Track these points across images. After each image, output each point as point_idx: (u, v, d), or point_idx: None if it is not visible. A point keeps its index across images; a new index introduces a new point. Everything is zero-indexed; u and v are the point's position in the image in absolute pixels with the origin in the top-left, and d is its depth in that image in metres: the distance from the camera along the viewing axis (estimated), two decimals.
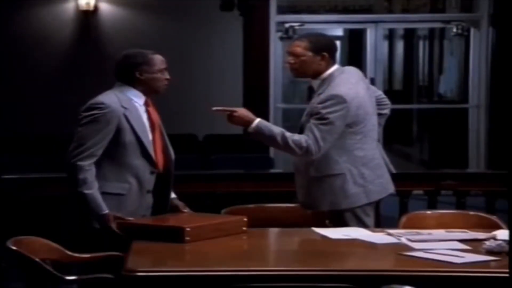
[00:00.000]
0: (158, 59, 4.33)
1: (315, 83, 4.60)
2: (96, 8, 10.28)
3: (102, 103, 4.18)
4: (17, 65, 10.15)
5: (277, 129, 4.43)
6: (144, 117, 4.31)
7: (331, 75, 4.54)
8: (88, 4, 10.23)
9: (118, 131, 4.18)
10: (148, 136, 4.29)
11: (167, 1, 10.20)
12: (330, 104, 4.41)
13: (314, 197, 4.55)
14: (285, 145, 4.39)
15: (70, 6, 10.32)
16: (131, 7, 10.32)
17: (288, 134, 4.40)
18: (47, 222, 5.57)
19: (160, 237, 3.87)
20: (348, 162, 4.48)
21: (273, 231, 4.34)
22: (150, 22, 10.27)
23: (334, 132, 4.41)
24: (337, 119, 4.39)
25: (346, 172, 4.49)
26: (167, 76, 4.35)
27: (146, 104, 4.34)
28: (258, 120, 4.44)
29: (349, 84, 4.50)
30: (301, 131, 4.51)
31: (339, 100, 4.41)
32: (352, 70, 4.68)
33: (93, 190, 4.11)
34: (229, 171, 6.72)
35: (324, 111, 4.40)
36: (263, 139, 4.48)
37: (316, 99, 4.50)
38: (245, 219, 4.15)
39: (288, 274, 3.44)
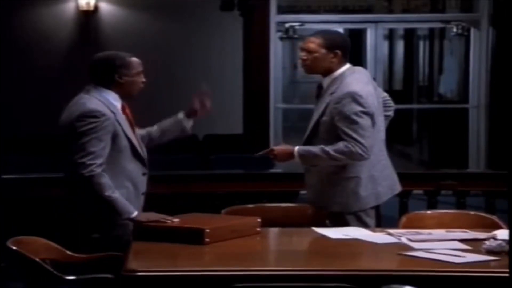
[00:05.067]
0: (136, 62, 4.28)
1: (325, 81, 4.60)
2: (96, 8, 10.29)
3: (97, 111, 4.11)
4: (17, 65, 10.15)
5: (315, 148, 4.46)
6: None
7: (342, 74, 4.55)
8: (88, 4, 10.24)
9: (115, 137, 4.15)
10: (134, 138, 4.28)
11: (167, 1, 10.20)
12: (347, 102, 4.42)
13: (325, 197, 4.56)
14: (330, 158, 4.42)
15: (70, 6, 10.32)
16: (131, 7, 10.32)
17: (327, 147, 4.42)
18: (47, 222, 5.56)
19: (178, 239, 3.85)
20: (361, 165, 4.50)
21: (273, 231, 4.34)
22: (150, 22, 10.27)
23: (367, 126, 4.42)
24: (361, 114, 4.41)
25: (360, 175, 4.51)
26: (143, 79, 4.31)
27: (122, 107, 4.28)
28: (296, 148, 4.50)
29: (361, 83, 4.52)
30: (315, 128, 4.54)
31: (355, 96, 4.42)
32: (362, 70, 4.71)
33: (118, 193, 4.09)
34: (229, 171, 6.72)
35: (344, 109, 4.41)
36: (310, 162, 4.53)
37: (328, 98, 4.51)
38: (259, 220, 4.16)
39: (288, 274, 3.45)
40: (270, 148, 4.65)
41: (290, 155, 4.52)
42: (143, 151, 4.33)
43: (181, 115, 4.56)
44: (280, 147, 4.61)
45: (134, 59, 4.30)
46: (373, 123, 4.49)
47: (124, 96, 4.29)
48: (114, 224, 4.13)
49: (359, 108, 4.41)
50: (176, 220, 4.04)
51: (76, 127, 4.12)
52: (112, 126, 4.14)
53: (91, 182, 4.05)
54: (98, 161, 4.07)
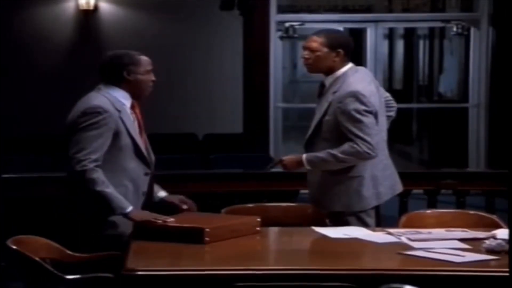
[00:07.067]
0: (145, 60, 4.30)
1: (327, 80, 4.61)
2: (96, 7, 10.29)
3: (100, 107, 4.13)
4: (17, 65, 10.15)
5: (322, 153, 4.48)
6: (132, 118, 4.28)
7: (345, 73, 4.56)
8: (88, 3, 10.24)
9: (116, 135, 4.15)
10: (139, 138, 4.28)
11: (167, 1, 10.20)
12: (350, 101, 4.43)
13: (327, 197, 4.57)
14: (338, 160, 4.44)
15: (70, 6, 10.33)
16: (131, 7, 10.32)
17: (333, 150, 4.44)
18: (47, 221, 5.56)
19: (178, 238, 3.85)
20: (364, 164, 4.50)
21: (273, 231, 4.34)
22: (150, 22, 10.27)
23: (371, 124, 4.43)
24: (364, 113, 4.42)
25: (363, 174, 4.51)
26: (153, 78, 4.32)
27: (132, 106, 4.30)
28: (304, 156, 4.52)
29: (364, 82, 4.53)
30: (317, 127, 4.55)
31: (358, 95, 4.43)
32: (364, 70, 4.72)
33: (112, 188, 4.07)
34: (229, 171, 6.72)
35: (347, 109, 4.42)
36: (319, 167, 4.54)
37: (330, 97, 4.52)
38: (258, 219, 4.17)
39: (288, 273, 3.45)
40: (279, 158, 4.70)
41: (299, 163, 4.54)
42: (147, 152, 4.33)
43: (160, 195, 4.48)
44: (288, 157, 4.64)
45: (144, 57, 4.31)
46: (376, 122, 4.49)
47: (135, 95, 4.30)
48: (114, 223, 4.13)
49: (362, 107, 4.42)
50: (170, 219, 4.02)
51: (78, 123, 4.14)
52: (114, 124, 4.15)
53: (83, 176, 4.05)
54: (93, 157, 4.07)
